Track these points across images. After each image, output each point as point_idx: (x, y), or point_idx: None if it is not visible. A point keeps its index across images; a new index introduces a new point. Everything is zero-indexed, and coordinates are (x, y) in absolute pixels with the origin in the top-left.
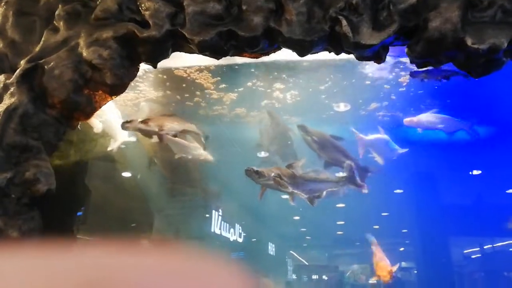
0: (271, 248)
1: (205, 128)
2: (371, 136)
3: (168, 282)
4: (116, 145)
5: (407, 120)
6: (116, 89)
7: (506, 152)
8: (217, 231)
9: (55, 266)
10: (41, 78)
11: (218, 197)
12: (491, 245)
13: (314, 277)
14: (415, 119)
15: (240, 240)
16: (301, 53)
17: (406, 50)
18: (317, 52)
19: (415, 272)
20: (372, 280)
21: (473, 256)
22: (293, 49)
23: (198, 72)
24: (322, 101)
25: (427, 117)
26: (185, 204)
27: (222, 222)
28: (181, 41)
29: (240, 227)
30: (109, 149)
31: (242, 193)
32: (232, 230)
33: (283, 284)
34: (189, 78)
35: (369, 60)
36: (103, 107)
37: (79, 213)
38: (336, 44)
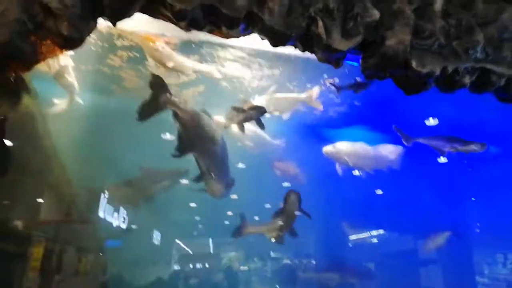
0: (156, 237)
1: None
2: None
3: None
4: None
5: None
6: (72, 42)
7: None
8: (101, 215)
9: None
10: None
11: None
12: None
13: (198, 266)
14: None
15: (124, 226)
16: (276, 44)
17: (360, 61)
18: (286, 46)
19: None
20: (244, 267)
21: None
22: (269, 38)
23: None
24: None
25: None
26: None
27: (107, 205)
28: (155, 4)
29: (125, 212)
30: None
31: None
32: (116, 214)
33: (166, 275)
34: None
35: (329, 63)
36: None
37: None
38: (306, 42)
